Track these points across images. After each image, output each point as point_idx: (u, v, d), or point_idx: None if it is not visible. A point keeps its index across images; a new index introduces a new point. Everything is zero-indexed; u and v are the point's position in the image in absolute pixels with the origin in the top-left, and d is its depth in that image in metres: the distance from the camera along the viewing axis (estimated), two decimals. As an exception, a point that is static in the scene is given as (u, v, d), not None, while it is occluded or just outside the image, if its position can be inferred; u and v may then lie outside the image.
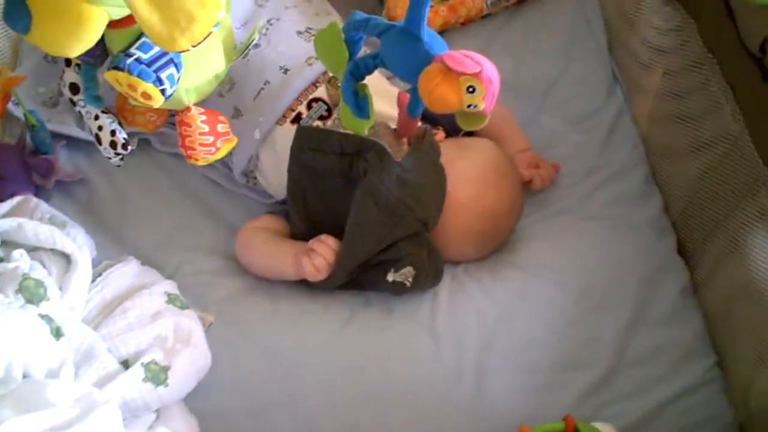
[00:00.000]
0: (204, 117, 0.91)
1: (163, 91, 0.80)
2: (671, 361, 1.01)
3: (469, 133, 1.16)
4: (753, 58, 0.89)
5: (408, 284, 0.99)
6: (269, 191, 1.14)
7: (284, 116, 1.09)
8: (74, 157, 1.19)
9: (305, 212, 1.05)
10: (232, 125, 1.10)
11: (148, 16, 0.71)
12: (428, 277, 1.01)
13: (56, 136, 1.17)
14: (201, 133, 0.91)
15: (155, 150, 1.20)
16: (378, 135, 1.03)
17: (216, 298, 1.04)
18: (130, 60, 0.79)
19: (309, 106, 1.09)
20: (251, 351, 0.99)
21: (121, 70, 0.78)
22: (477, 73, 0.81)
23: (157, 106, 0.83)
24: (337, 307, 1.03)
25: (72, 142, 1.18)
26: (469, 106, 0.84)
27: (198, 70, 0.88)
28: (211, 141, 0.92)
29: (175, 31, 0.71)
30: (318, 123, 1.08)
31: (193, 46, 0.72)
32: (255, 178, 1.15)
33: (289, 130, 1.06)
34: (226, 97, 1.10)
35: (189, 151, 0.92)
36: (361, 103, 0.94)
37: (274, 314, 1.02)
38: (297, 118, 1.09)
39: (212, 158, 0.93)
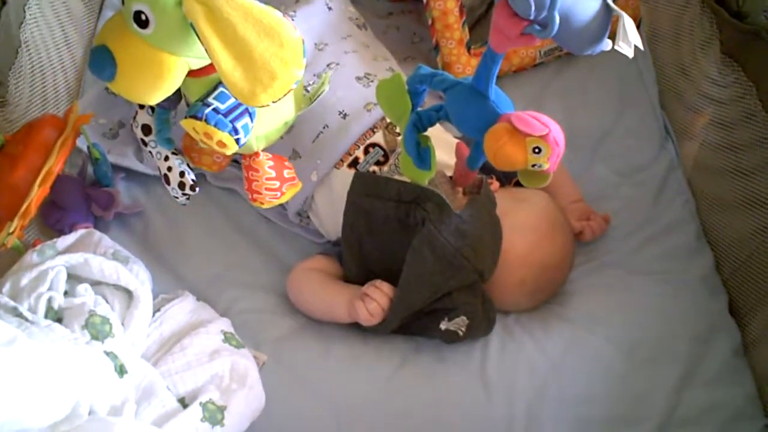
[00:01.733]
0: (271, 162, 0.93)
1: (237, 141, 0.82)
2: (721, 421, 1.00)
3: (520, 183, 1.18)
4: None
5: (461, 333, 1.00)
6: (322, 231, 1.16)
7: (342, 160, 1.11)
8: (132, 189, 1.22)
9: (360, 256, 1.06)
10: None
11: (232, 71, 0.73)
12: (481, 327, 1.02)
13: (115, 168, 1.20)
14: (268, 179, 0.93)
15: (209, 185, 1.22)
16: (435, 184, 1.04)
17: (268, 338, 1.05)
18: (207, 110, 0.81)
19: (366, 151, 1.10)
20: (303, 393, 1.00)
21: (199, 119, 0.81)
22: (544, 135, 0.83)
23: (230, 153, 0.85)
24: (389, 352, 1.04)
25: (130, 174, 1.21)
26: (533, 165, 0.85)
27: (270, 119, 0.90)
28: (277, 186, 0.93)
29: (257, 88, 0.73)
30: (374, 168, 1.10)
31: (273, 102, 0.74)
32: (308, 218, 1.17)
33: (345, 174, 1.08)
34: (285, 138, 1.11)
35: (255, 195, 0.94)
36: (423, 155, 0.96)
37: (326, 356, 1.03)
38: (354, 163, 1.10)
39: (277, 202, 0.95)
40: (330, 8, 1.27)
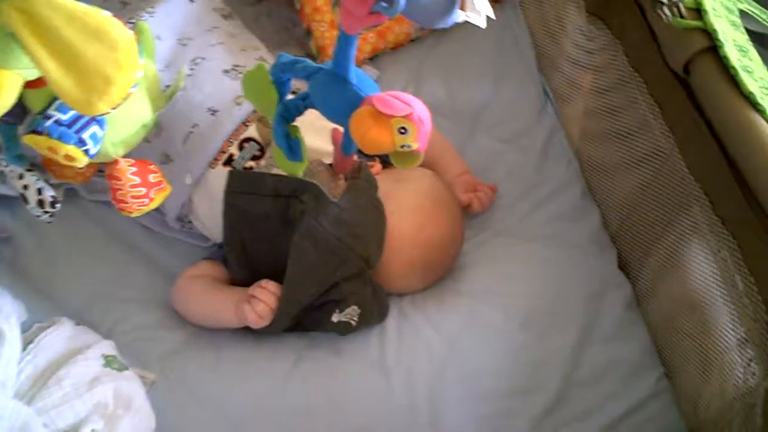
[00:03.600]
0: (134, 168, 0.88)
1: (86, 152, 0.77)
2: (620, 377, 1.02)
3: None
4: (678, 78, 0.91)
5: (354, 323, 0.98)
6: (206, 234, 1.11)
7: (216, 159, 1.06)
8: (-3, 213, 1.14)
9: (244, 257, 1.02)
10: (162, 171, 1.07)
11: (62, 80, 0.68)
12: (374, 315, 1.00)
13: (-24, 192, 1.12)
14: (132, 186, 0.87)
15: (83, 199, 1.16)
16: (313, 173, 1.01)
17: (157, 354, 1.00)
18: (48, 122, 0.75)
19: (240, 147, 1.06)
20: (196, 406, 0.96)
21: (40, 134, 0.75)
22: (408, 115, 0.81)
23: (81, 166, 0.79)
24: (284, 352, 1.01)
25: (-7, 198, 1.13)
26: (402, 146, 0.83)
27: (124, 123, 0.85)
28: (143, 192, 0.88)
29: (93, 96, 0.68)
30: (251, 163, 1.06)
31: (113, 109, 0.70)
32: (190, 222, 1.12)
33: (221, 173, 1.04)
34: (154, 142, 1.07)
35: (121, 204, 0.89)
36: (293, 146, 0.93)
37: (218, 365, 0.99)
38: (229, 160, 1.06)
39: (146, 209, 0.90)
40: (192, 0, 1.21)
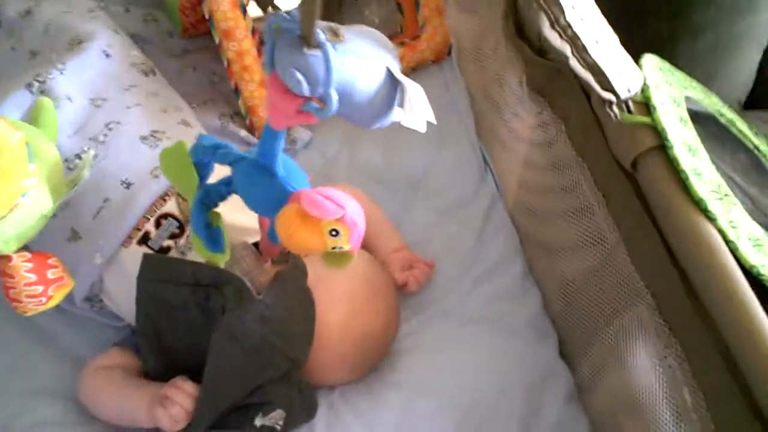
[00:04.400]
0: (30, 265, 0.78)
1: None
2: (561, 473, 0.97)
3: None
4: (624, 171, 0.87)
5: (278, 428, 0.90)
6: (119, 314, 1.02)
7: (130, 237, 0.97)
8: None
9: (160, 348, 0.93)
10: (68, 250, 0.98)
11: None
12: (300, 417, 0.93)
13: None
14: (27, 284, 0.78)
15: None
16: (236, 259, 0.94)
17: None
18: None
19: (158, 224, 0.97)
20: None
21: None
22: (340, 218, 0.74)
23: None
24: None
25: None
26: (333, 248, 0.76)
27: (18, 219, 0.75)
28: (40, 291, 0.79)
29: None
30: (169, 242, 0.97)
31: (-2, 220, 0.61)
32: (101, 301, 1.02)
33: (136, 252, 0.95)
34: (60, 217, 0.96)
35: (15, 303, 0.79)
36: (214, 236, 0.85)
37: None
38: (145, 239, 0.97)
39: (43, 308, 0.80)
40: (108, 55, 1.11)
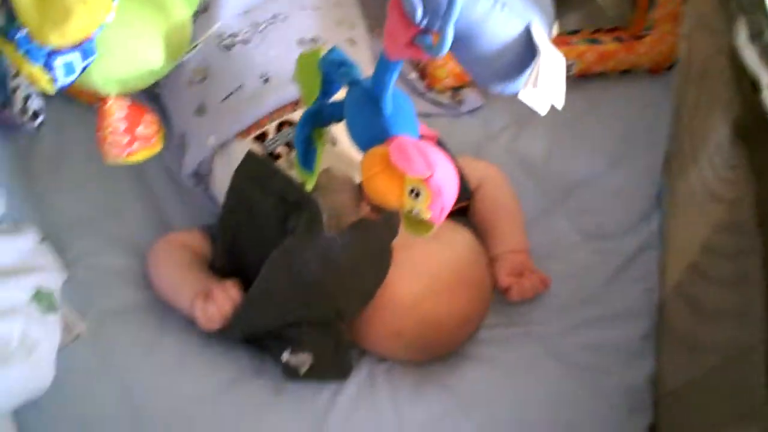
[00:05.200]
0: (124, 112, 0.77)
1: (54, 81, 0.66)
2: None
3: (459, 211, 0.99)
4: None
5: (301, 373, 0.83)
6: (219, 201, 1.00)
7: (248, 131, 0.93)
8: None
9: (232, 246, 0.90)
10: (192, 122, 0.96)
11: (23, -4, 0.57)
12: (328, 373, 0.85)
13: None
14: (113, 132, 0.77)
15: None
16: (332, 189, 0.87)
17: (102, 306, 0.90)
18: (21, 33, 0.64)
19: (279, 128, 0.93)
20: (107, 383, 0.84)
21: (9, 42, 0.64)
22: (426, 179, 0.64)
23: (52, 93, 0.69)
24: (226, 364, 0.88)
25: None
26: (411, 210, 0.67)
27: (122, 61, 0.74)
28: (125, 142, 0.78)
29: (46, 25, 0.57)
30: (282, 150, 0.92)
31: (69, 43, 0.58)
32: (208, 183, 1.01)
33: (248, 147, 0.91)
34: (195, 89, 0.95)
35: (99, 145, 0.78)
36: (308, 153, 0.78)
37: (153, 349, 0.88)
38: (262, 137, 0.93)
39: (122, 161, 0.79)
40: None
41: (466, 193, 1.00)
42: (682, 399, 0.86)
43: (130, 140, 0.77)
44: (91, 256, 0.95)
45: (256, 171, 0.86)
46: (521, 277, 0.96)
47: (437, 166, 0.64)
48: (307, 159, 0.78)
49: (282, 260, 0.80)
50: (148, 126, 0.78)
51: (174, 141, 1.00)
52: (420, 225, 0.69)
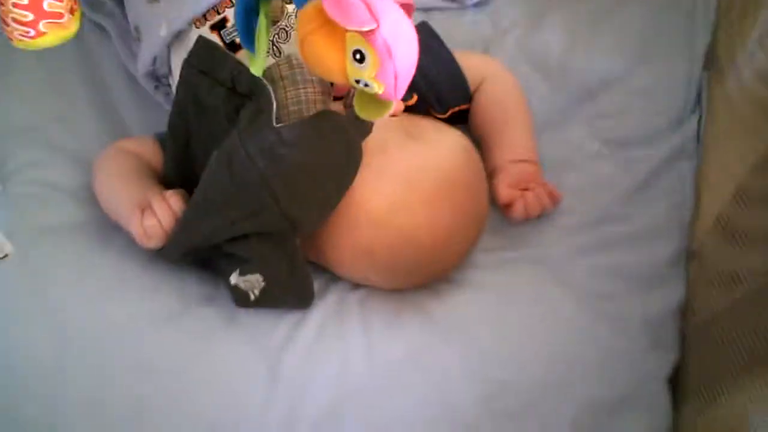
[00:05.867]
0: (24, -14, 0.64)
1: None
2: None
3: (459, 117, 0.85)
4: None
5: (252, 297, 0.71)
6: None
7: (205, 17, 0.80)
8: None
9: (183, 152, 0.77)
10: (146, 11, 0.84)
11: None
12: (285, 299, 0.72)
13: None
14: (16, 5, 0.64)
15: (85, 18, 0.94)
16: (295, 80, 0.74)
17: (36, 224, 0.79)
18: None
19: (239, 15, 0.79)
20: (35, 310, 0.73)
21: None
22: (367, 33, 0.49)
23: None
24: (171, 290, 0.76)
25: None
26: (357, 81, 0.52)
27: None
28: (30, 20, 0.65)
29: None
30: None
31: None
32: (169, 85, 0.88)
33: (205, 36, 0.78)
34: (151, -27, 0.82)
35: (2, 25, 0.66)
36: (250, 26, 0.64)
37: (88, 271, 0.76)
38: (220, 25, 0.80)
39: (32, 43, 0.67)
40: None
41: (465, 94, 0.85)
42: (711, 333, 0.71)
43: (36, 18, 0.65)
44: (33, 168, 0.84)
45: (204, 58, 0.73)
46: (526, 191, 0.81)
47: (384, 15, 0.49)
48: (246, 33, 0.64)
49: (222, 158, 0.67)
50: (56, 2, 0.65)
51: (131, 37, 0.89)
52: (370, 103, 0.55)
